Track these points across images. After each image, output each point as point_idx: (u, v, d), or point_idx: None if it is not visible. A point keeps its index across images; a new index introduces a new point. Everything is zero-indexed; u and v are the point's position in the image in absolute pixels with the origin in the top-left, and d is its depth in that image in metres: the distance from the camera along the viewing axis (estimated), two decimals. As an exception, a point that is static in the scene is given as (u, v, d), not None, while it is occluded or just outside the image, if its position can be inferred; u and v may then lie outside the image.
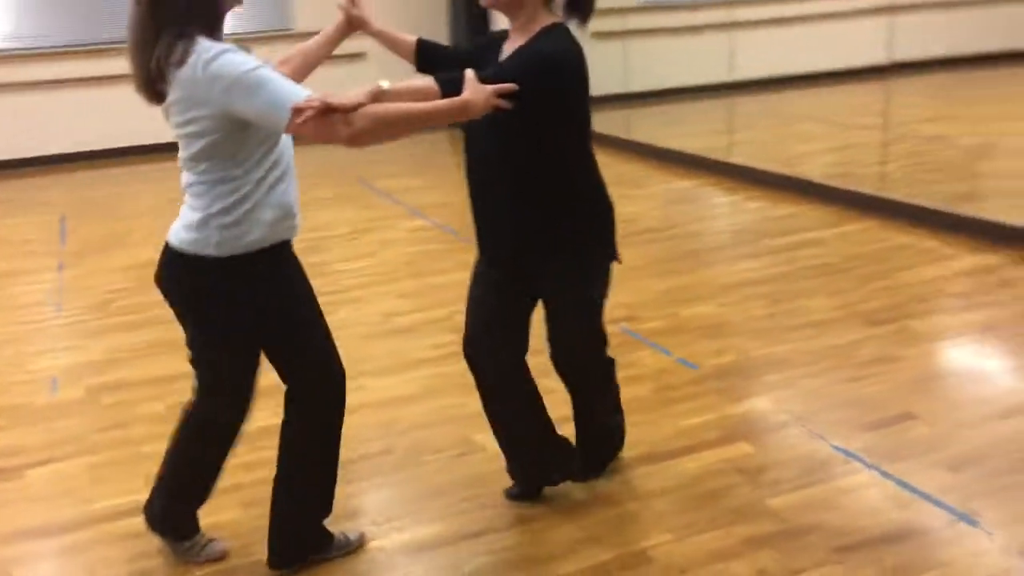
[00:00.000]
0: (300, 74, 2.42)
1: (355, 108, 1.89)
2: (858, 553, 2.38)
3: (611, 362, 2.72)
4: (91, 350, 4.12)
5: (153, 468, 2.99)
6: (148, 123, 9.39)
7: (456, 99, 2.03)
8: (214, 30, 2.03)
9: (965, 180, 6.33)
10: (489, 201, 2.41)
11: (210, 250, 2.11)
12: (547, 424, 2.59)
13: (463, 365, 3.65)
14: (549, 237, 2.37)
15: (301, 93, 1.91)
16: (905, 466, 2.76)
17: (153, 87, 2.01)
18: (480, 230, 2.48)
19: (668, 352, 3.68)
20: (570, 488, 2.70)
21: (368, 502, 2.77)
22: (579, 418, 2.70)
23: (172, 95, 2.01)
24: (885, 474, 2.72)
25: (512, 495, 2.70)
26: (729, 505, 2.61)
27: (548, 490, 2.71)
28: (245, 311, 2.18)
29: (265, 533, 2.44)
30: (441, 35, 9.68)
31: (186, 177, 2.13)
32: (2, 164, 8.67)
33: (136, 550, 2.57)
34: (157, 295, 5.06)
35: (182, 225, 2.15)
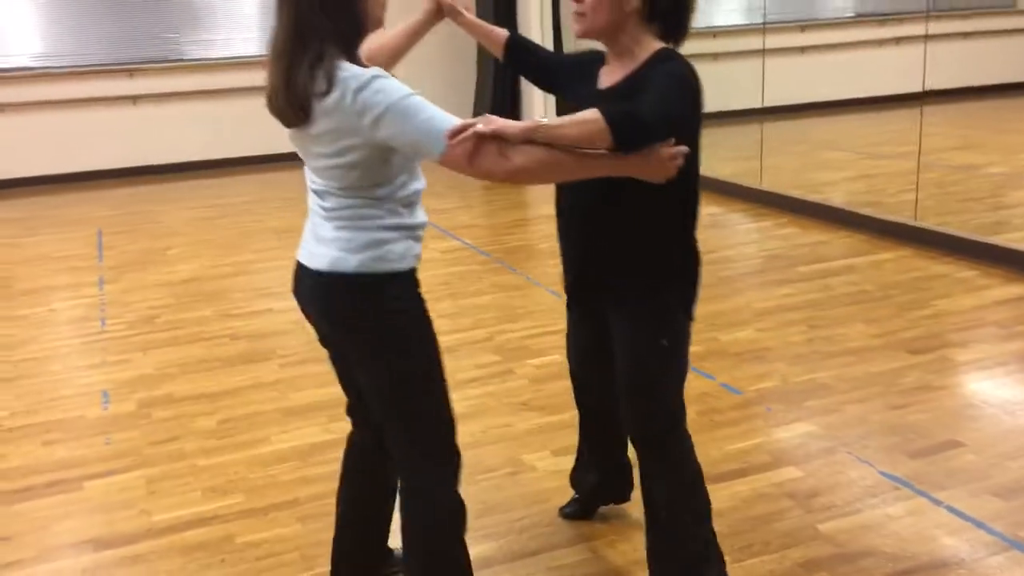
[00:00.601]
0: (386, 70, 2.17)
1: (513, 139, 1.77)
2: (913, 578, 2.41)
3: (685, 440, 2.31)
4: (139, 365, 4.19)
5: (212, 481, 3.08)
6: (180, 141, 9.60)
7: (633, 158, 1.86)
8: (354, 51, 1.89)
9: (996, 210, 6.37)
10: (583, 231, 2.23)
11: (393, 264, 1.94)
12: (626, 446, 2.60)
13: (508, 385, 3.76)
14: (631, 272, 2.18)
15: (454, 120, 1.79)
16: (954, 493, 2.79)
17: (295, 111, 1.83)
18: (567, 261, 2.32)
19: (711, 376, 3.72)
20: (625, 508, 2.74)
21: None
22: (649, 519, 2.36)
23: (318, 126, 1.84)
24: (935, 501, 2.75)
25: (567, 513, 2.75)
26: (782, 529, 2.65)
27: (603, 509, 2.75)
28: (428, 327, 2.02)
29: (329, 546, 2.47)
30: (469, 50, 9.78)
31: (333, 202, 1.94)
32: (37, 180, 8.80)
33: (201, 562, 2.62)
34: (201, 311, 5.15)
35: (353, 247, 1.92)
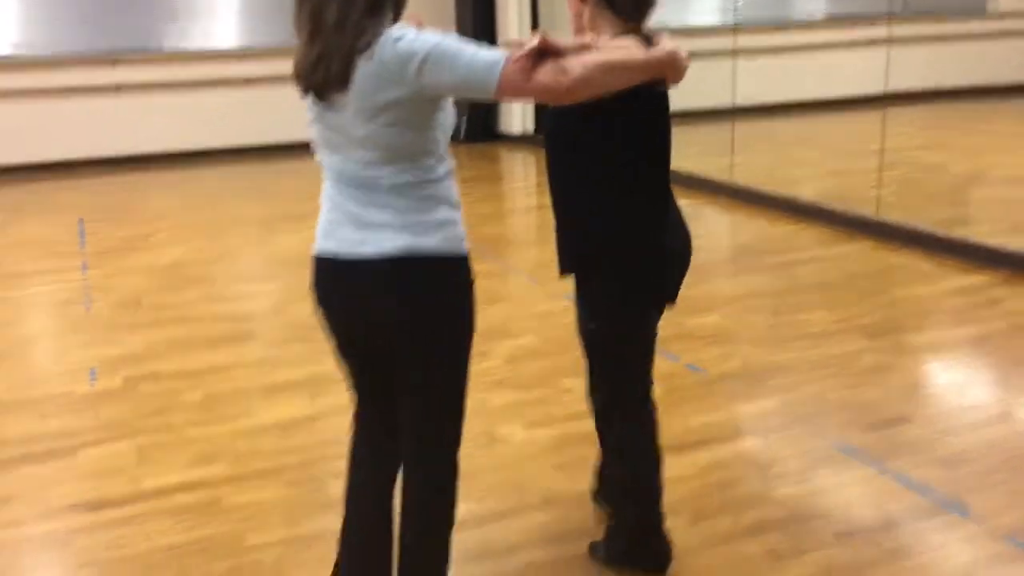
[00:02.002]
0: None
1: (568, 52, 1.80)
2: (859, 537, 2.59)
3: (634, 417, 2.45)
4: (125, 344, 4.31)
5: (199, 450, 3.22)
6: (161, 131, 9.66)
7: (662, 50, 1.96)
8: (398, 17, 1.90)
9: (956, 206, 6.61)
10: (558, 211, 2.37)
11: (460, 246, 1.94)
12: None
13: (484, 365, 3.92)
14: (583, 254, 2.33)
15: (500, 51, 1.79)
16: (901, 463, 2.98)
17: (339, 73, 1.81)
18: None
19: (676, 357, 3.89)
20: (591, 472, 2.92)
21: (402, 485, 2.97)
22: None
23: (359, 85, 1.82)
24: (883, 470, 2.94)
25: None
26: (739, 494, 2.82)
27: (574, 471, 2.92)
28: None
29: (312, 508, 2.63)
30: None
31: (389, 179, 1.89)
32: (19, 168, 8.84)
33: (188, 522, 2.76)
34: (185, 294, 5.27)
35: (423, 228, 1.89)
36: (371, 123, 1.84)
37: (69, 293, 5.16)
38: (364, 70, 1.80)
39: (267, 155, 9.23)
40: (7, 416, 3.57)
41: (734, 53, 7.33)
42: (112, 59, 9.10)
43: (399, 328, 1.94)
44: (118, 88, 9.12)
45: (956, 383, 3.62)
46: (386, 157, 1.87)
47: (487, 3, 9.75)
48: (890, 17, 6.49)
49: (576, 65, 1.77)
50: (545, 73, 1.75)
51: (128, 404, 3.64)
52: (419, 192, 1.89)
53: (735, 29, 7.48)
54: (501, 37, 9.55)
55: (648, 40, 2.05)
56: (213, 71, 9.36)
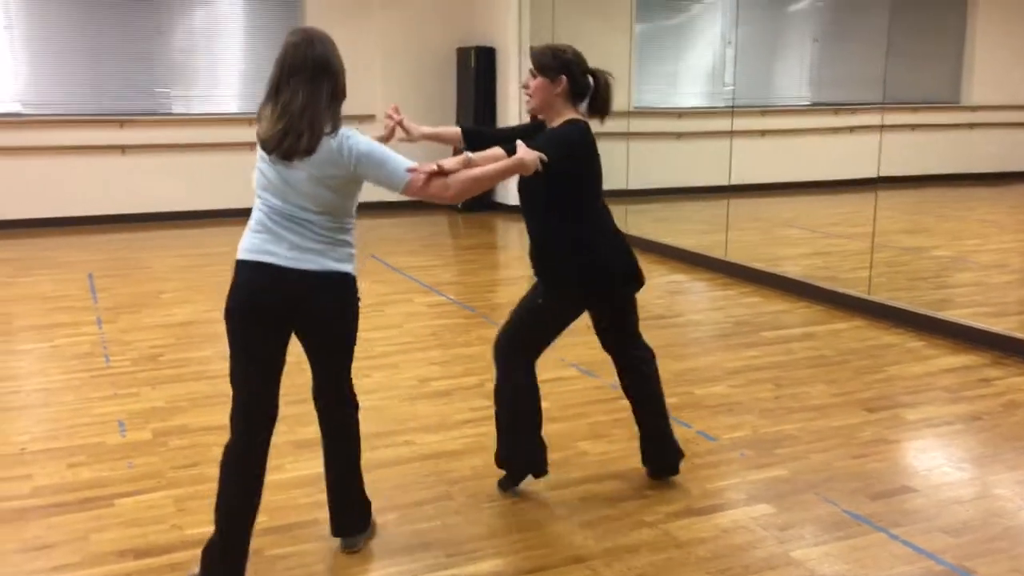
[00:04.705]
0: None
1: (455, 171, 2.71)
2: (874, 598, 2.75)
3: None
4: (150, 398, 4.42)
5: (239, 501, 3.30)
6: (164, 191, 9.84)
7: (513, 158, 2.85)
8: (340, 104, 2.76)
9: (940, 288, 6.88)
10: (528, 229, 3.31)
11: (355, 271, 2.83)
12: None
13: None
14: (542, 258, 3.30)
15: (408, 162, 2.70)
16: (908, 530, 3.15)
17: (309, 146, 2.59)
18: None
19: (688, 425, 4.06)
20: (619, 533, 3.06)
21: (438, 537, 3.09)
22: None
23: (318, 156, 2.62)
24: (892, 536, 3.11)
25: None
26: (759, 555, 2.97)
27: (600, 529, 3.06)
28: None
29: (351, 561, 2.74)
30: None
31: (318, 223, 2.70)
32: (28, 223, 9.00)
33: (236, 570, 2.86)
34: (203, 351, 5.37)
35: (340, 257, 2.76)
36: (317, 186, 2.65)
37: (88, 347, 5.27)
38: (324, 147, 2.61)
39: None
40: (35, 466, 3.66)
41: (731, 134, 7.66)
42: (120, 120, 9.32)
43: (325, 315, 2.79)
44: (124, 148, 9.33)
45: (955, 457, 3.81)
46: (320, 210, 2.69)
47: (490, 103, 10.25)
48: (883, 106, 6.83)
49: (453, 182, 2.71)
50: (435, 187, 2.70)
51: (159, 456, 3.74)
52: (337, 235, 2.74)
53: (732, 111, 7.82)
54: (500, 123, 9.95)
55: (510, 151, 2.89)
56: (216, 134, 9.59)
